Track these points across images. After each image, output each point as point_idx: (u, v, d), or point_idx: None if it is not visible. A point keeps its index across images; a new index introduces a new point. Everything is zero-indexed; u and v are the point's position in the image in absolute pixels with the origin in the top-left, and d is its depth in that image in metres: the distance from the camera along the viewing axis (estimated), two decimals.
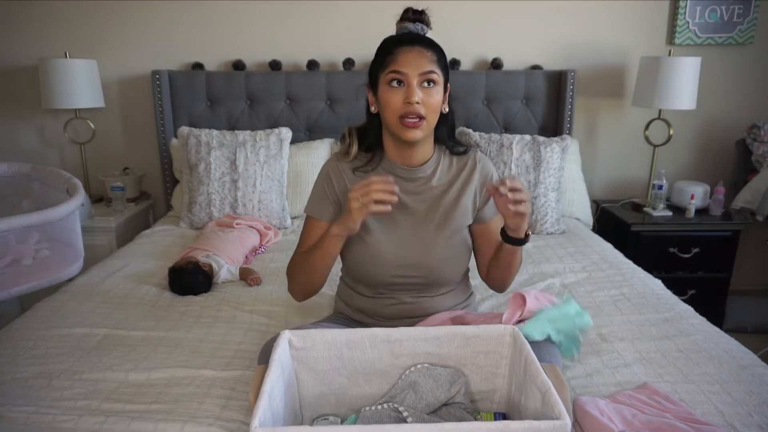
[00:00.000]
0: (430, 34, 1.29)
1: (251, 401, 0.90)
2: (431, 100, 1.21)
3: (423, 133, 1.23)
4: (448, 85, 1.28)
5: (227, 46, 2.73)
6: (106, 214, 2.57)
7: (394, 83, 1.20)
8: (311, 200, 1.38)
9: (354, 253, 1.33)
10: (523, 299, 1.25)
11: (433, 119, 1.24)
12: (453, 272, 1.35)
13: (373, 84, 1.27)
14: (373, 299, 1.36)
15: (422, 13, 1.28)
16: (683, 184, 2.71)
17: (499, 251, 1.30)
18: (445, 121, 1.31)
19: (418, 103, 1.19)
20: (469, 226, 1.37)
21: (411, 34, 1.25)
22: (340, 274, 1.48)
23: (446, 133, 1.34)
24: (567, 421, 0.81)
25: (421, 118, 1.20)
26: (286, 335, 1.03)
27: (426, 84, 1.20)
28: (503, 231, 1.24)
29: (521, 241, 1.23)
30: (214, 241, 2.03)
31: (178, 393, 1.24)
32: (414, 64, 1.18)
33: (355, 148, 1.34)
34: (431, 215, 1.32)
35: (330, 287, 1.47)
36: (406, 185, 1.32)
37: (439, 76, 1.21)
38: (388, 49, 1.22)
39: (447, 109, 1.30)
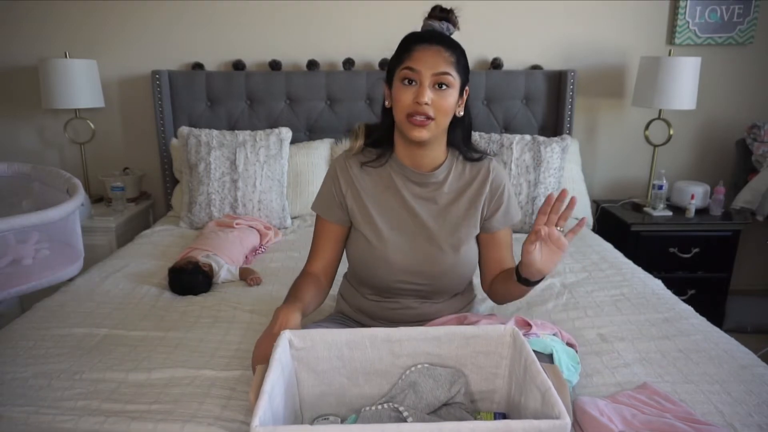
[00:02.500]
0: (456, 35, 1.25)
1: (251, 401, 0.90)
2: (443, 102, 1.17)
3: (429, 134, 1.20)
4: (467, 88, 1.25)
5: (227, 46, 2.73)
6: (106, 214, 2.57)
7: (407, 81, 1.17)
8: (319, 198, 1.36)
9: (360, 255, 1.32)
10: (528, 324, 1.25)
11: (443, 121, 1.20)
12: (459, 281, 1.33)
13: (389, 79, 1.25)
14: (377, 302, 1.34)
15: (450, 12, 1.24)
16: (683, 184, 2.71)
17: (509, 284, 1.24)
18: (460, 125, 1.28)
19: (427, 104, 1.16)
20: (477, 236, 1.34)
21: (433, 32, 1.22)
22: (344, 272, 1.47)
23: (461, 138, 1.30)
24: (567, 420, 0.80)
25: (429, 118, 1.17)
26: (287, 335, 1.03)
27: (439, 85, 1.16)
28: (519, 272, 1.18)
29: (537, 282, 1.18)
30: (214, 241, 2.03)
31: (178, 393, 1.24)
32: (429, 62, 1.15)
33: (360, 142, 1.32)
34: (440, 223, 1.29)
35: (334, 285, 1.47)
36: (417, 189, 1.30)
37: (454, 79, 1.18)
38: (406, 45, 1.20)
39: (462, 113, 1.26)
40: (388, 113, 1.27)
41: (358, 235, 1.32)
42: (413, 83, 1.17)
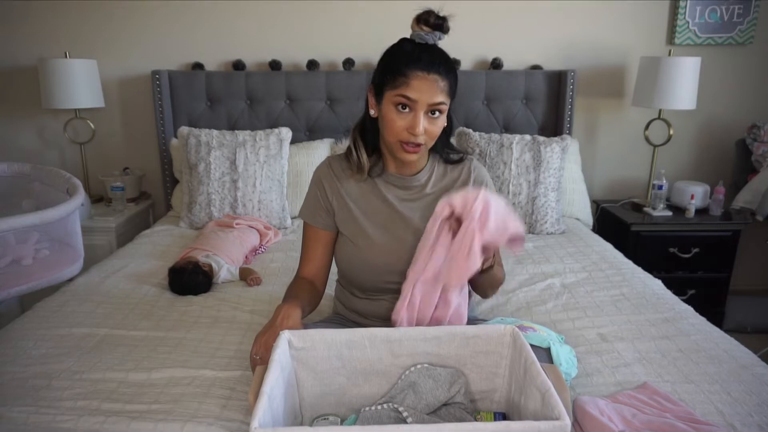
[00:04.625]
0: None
1: (251, 402, 0.90)
2: (434, 128, 1.19)
3: (419, 156, 1.23)
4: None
5: (227, 46, 2.73)
6: (106, 214, 2.57)
7: (401, 107, 1.17)
8: (305, 206, 1.37)
9: (346, 258, 1.33)
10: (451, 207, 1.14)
11: (431, 143, 1.23)
12: None
13: (377, 90, 1.22)
14: (369, 300, 1.35)
15: (445, 20, 1.19)
16: (683, 184, 2.71)
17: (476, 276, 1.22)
18: (442, 132, 1.27)
19: (422, 134, 1.18)
20: None
21: (430, 55, 1.17)
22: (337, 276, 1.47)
23: (442, 142, 1.31)
24: (567, 421, 0.81)
25: (420, 144, 1.20)
26: (286, 335, 1.03)
27: (432, 113, 1.18)
28: None
29: (486, 270, 1.18)
30: (214, 241, 2.03)
31: (178, 393, 1.24)
32: (425, 93, 1.15)
33: (365, 159, 1.30)
34: (424, 224, 1.27)
35: (329, 287, 1.48)
36: (400, 193, 1.32)
37: (446, 104, 1.19)
38: (401, 67, 1.16)
39: (445, 123, 1.26)
40: (373, 120, 1.27)
41: (344, 239, 1.33)
42: (407, 108, 1.17)
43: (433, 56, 1.17)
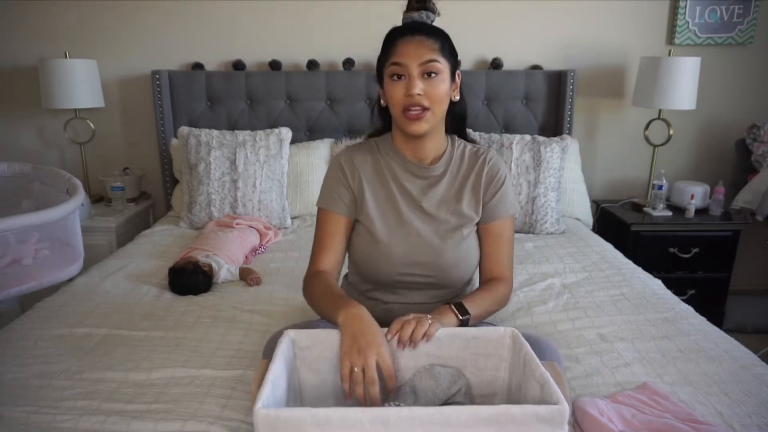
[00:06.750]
0: (438, 21, 1.26)
1: (253, 392, 0.89)
2: (435, 91, 1.17)
3: (428, 125, 1.20)
4: (458, 72, 1.25)
5: (227, 46, 2.73)
6: (106, 214, 2.57)
7: (395, 76, 1.17)
8: (323, 194, 1.32)
9: (362, 248, 1.30)
10: None
11: (439, 110, 1.20)
12: (462, 273, 1.31)
13: (380, 77, 1.25)
14: (383, 304, 1.32)
15: (426, 0, 1.24)
16: (683, 184, 2.71)
17: None
18: (456, 110, 1.28)
19: (419, 94, 1.16)
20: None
21: (413, 23, 1.22)
22: (344, 273, 1.45)
23: (459, 123, 1.31)
24: (565, 406, 0.81)
25: (424, 109, 1.17)
26: (290, 335, 1.03)
27: (428, 74, 1.16)
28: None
29: (463, 322, 1.15)
30: (214, 241, 2.03)
31: (178, 393, 1.24)
32: (413, 54, 1.15)
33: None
34: (442, 215, 1.29)
35: None
36: (418, 182, 1.30)
37: (442, 64, 1.17)
38: (389, 41, 1.20)
39: (458, 97, 1.26)
40: (384, 111, 1.29)
41: (361, 229, 1.30)
42: (402, 77, 1.17)
43: (418, 23, 1.22)
